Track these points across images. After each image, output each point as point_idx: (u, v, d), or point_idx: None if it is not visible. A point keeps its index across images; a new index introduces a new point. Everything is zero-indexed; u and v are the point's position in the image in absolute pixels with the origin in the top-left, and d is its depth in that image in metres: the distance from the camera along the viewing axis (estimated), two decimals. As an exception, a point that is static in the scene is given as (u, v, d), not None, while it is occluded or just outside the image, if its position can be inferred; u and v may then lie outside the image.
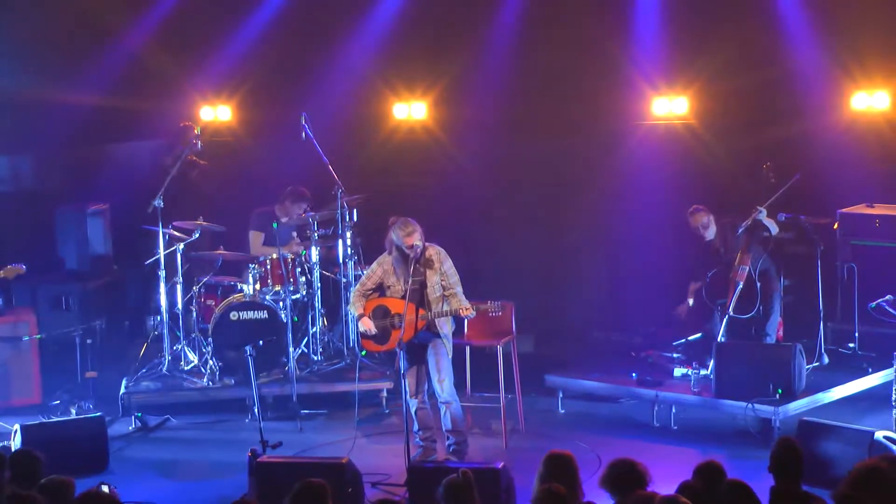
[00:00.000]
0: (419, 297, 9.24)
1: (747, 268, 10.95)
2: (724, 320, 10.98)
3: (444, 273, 9.29)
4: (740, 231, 11.01)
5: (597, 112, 12.73)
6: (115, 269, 12.79)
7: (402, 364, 9.23)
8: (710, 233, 11.17)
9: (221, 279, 11.76)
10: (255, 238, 11.91)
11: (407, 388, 9.23)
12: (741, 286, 10.92)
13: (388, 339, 9.41)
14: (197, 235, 11.51)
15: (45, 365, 11.58)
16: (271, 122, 12.99)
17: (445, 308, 9.28)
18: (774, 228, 11.08)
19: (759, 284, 10.96)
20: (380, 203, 12.27)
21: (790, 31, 12.08)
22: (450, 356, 9.39)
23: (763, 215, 10.93)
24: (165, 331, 11.36)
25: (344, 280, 11.51)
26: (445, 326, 9.38)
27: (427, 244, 9.31)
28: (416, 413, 9.40)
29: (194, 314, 11.60)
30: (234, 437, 10.43)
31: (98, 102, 12.58)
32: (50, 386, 11.43)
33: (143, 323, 12.95)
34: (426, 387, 9.52)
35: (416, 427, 9.41)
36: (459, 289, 9.33)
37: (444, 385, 9.33)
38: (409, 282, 9.20)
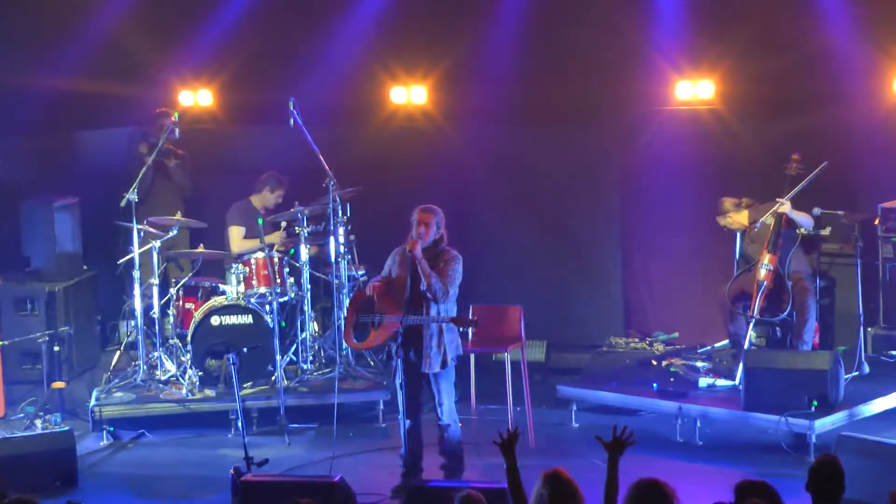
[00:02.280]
0: (407, 296, 9.13)
1: (772, 267, 10.94)
2: (751, 325, 10.96)
3: (444, 271, 9.16)
4: (758, 226, 11.05)
5: (614, 97, 12.68)
6: (85, 269, 12.74)
7: (398, 376, 9.17)
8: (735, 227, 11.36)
9: (202, 280, 11.75)
10: (236, 233, 11.90)
11: (402, 405, 9.17)
12: (765, 287, 10.91)
13: (365, 338, 9.34)
14: (175, 232, 11.51)
15: (8, 375, 11.56)
16: (257, 107, 12.94)
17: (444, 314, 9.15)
18: (808, 223, 11.08)
19: (790, 284, 10.95)
20: (375, 197, 12.26)
21: (826, 8, 12.02)
22: (451, 370, 9.28)
23: (786, 208, 10.92)
24: (140, 337, 11.33)
25: (336, 281, 11.48)
26: (449, 347, 9.26)
27: (448, 247, 9.24)
28: (405, 434, 9.28)
29: (172, 319, 11.58)
30: (215, 454, 10.42)
31: (67, 87, 12.53)
32: (13, 398, 11.43)
33: (116, 328, 12.93)
34: (424, 406, 9.46)
35: (402, 450, 9.32)
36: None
37: (443, 407, 9.26)
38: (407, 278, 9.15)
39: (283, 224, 11.84)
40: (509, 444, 6.75)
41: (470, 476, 9.38)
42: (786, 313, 10.98)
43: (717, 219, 11.50)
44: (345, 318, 9.69)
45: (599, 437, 6.67)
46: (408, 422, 9.22)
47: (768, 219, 11.07)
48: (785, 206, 10.99)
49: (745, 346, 10.94)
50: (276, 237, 11.75)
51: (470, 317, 9.37)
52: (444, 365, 9.14)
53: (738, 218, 11.43)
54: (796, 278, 11.08)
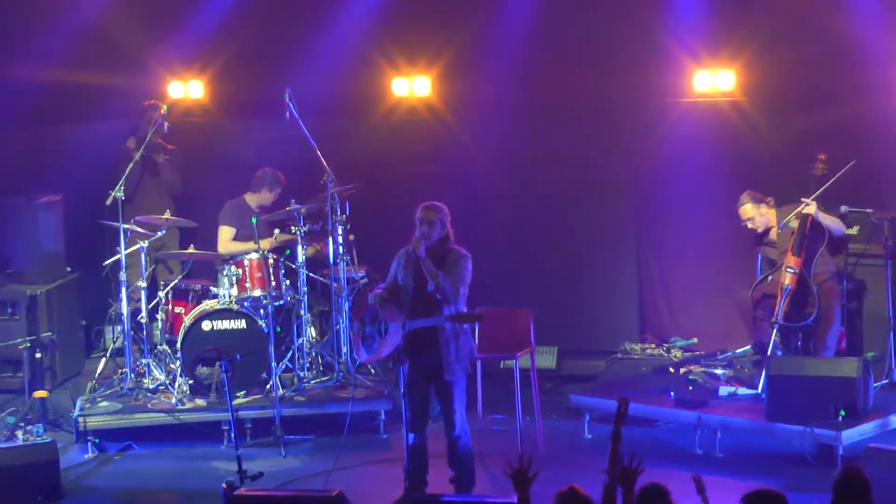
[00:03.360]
0: (411, 299, 9.11)
1: (797, 270, 10.93)
2: (774, 331, 10.94)
3: (451, 271, 9.13)
4: (781, 227, 11.08)
5: (629, 88, 12.68)
6: (68, 270, 12.73)
7: (403, 384, 9.15)
8: (760, 223, 11.35)
9: (192, 283, 11.73)
10: (224, 234, 11.92)
11: (407, 415, 9.14)
12: (790, 291, 10.90)
13: (375, 350, 9.31)
14: (164, 232, 11.49)
15: (-13, 383, 11.59)
16: (250, 99, 12.94)
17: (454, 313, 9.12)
18: (839, 230, 11.05)
19: (815, 288, 10.94)
20: (376, 194, 12.24)
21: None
22: (464, 377, 9.25)
23: (812, 209, 10.91)
24: (127, 343, 11.31)
25: (335, 284, 11.47)
26: (466, 351, 9.24)
27: (455, 246, 9.21)
28: (409, 447, 9.27)
29: (160, 324, 11.57)
30: (206, 467, 10.40)
31: (49, 78, 12.55)
32: (-8, 407, 11.43)
33: (102, 334, 12.91)
34: (431, 416, 9.44)
35: (405, 462, 9.31)
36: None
37: (455, 417, 9.22)
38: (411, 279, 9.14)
39: (277, 231, 11.81)
40: (523, 477, 6.64)
41: (478, 490, 9.36)
42: (812, 318, 10.97)
43: (739, 210, 11.43)
44: (353, 334, 9.66)
45: (608, 471, 6.63)
46: (413, 433, 9.20)
47: (792, 220, 11.05)
48: (810, 208, 10.96)
49: (769, 352, 10.91)
50: (267, 243, 11.69)
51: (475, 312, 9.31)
52: (456, 372, 9.12)
53: (770, 214, 11.34)
54: (822, 280, 11.07)
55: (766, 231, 11.45)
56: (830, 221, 11.07)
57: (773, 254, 11.41)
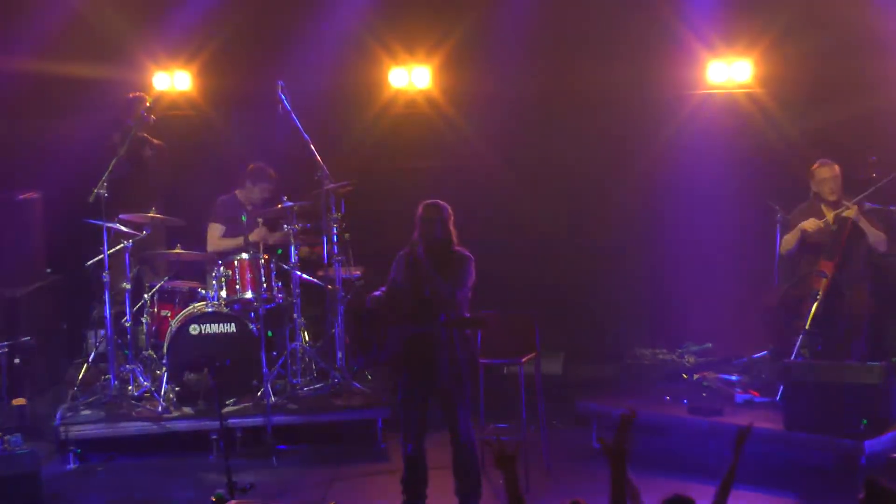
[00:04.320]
0: (412, 303, 9.11)
1: (829, 275, 10.89)
2: (800, 337, 10.91)
3: (452, 274, 9.14)
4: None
5: (638, 79, 12.69)
6: (48, 272, 12.73)
7: (401, 391, 9.16)
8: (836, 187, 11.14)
9: (179, 284, 11.72)
10: (213, 231, 11.91)
11: (405, 424, 9.14)
12: (820, 296, 10.86)
13: (371, 355, 9.31)
14: (149, 231, 11.48)
15: (-37, 390, 11.57)
16: (241, 91, 12.95)
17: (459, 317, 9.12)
18: (880, 243, 11.02)
19: (848, 296, 10.90)
20: (372, 191, 12.24)
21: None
22: (466, 384, 9.26)
23: (852, 212, 10.88)
24: (111, 348, 11.30)
25: (330, 286, 11.46)
26: (464, 357, 9.23)
27: (458, 248, 9.21)
28: (407, 457, 9.27)
29: (145, 327, 11.56)
30: (194, 479, 10.40)
31: (29, 68, 12.54)
32: (-31, 416, 11.42)
33: (84, 338, 12.90)
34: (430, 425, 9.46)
35: (403, 473, 9.31)
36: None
37: (458, 425, 9.23)
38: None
39: (260, 221, 11.77)
40: (504, 457, 6.63)
41: (484, 501, 9.36)
42: (840, 325, 10.90)
43: (816, 171, 11.19)
44: (349, 338, 9.67)
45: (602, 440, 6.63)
46: (411, 443, 9.20)
47: (830, 223, 10.99)
48: (851, 211, 10.92)
49: (792, 357, 10.88)
50: (257, 236, 11.67)
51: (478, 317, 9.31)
52: (458, 378, 9.11)
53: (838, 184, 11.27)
54: (855, 288, 11.01)
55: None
56: (874, 235, 11.02)
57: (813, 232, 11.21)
